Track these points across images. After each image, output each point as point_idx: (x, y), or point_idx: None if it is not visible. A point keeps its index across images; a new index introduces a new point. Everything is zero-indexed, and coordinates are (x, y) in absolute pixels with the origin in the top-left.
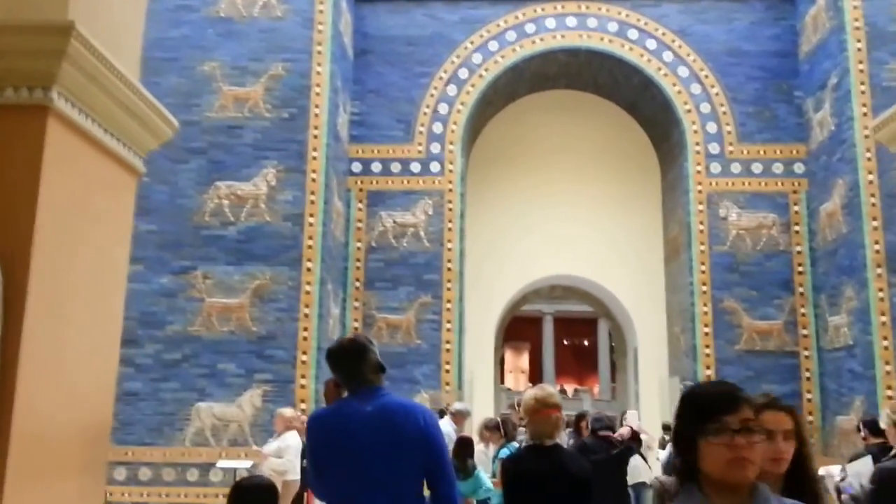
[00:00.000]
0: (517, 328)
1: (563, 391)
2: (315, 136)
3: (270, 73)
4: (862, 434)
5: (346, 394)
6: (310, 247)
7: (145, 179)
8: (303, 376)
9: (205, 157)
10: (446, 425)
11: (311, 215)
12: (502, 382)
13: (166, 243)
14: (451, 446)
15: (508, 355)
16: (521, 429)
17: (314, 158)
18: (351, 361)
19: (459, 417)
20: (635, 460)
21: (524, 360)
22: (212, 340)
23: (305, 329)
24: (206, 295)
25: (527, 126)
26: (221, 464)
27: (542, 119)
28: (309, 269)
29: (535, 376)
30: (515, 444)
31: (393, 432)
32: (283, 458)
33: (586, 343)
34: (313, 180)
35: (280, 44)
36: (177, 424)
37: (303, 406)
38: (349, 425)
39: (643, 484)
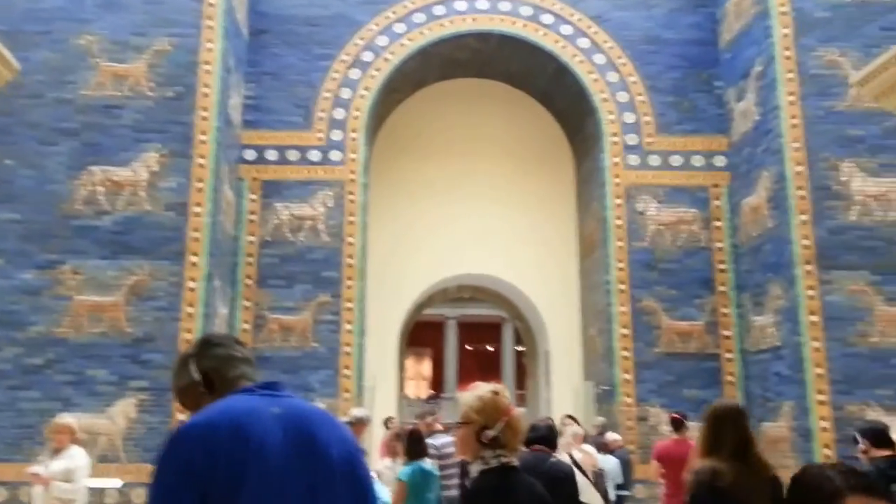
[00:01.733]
0: (419, 334)
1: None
2: (203, 119)
3: (154, 48)
4: (861, 446)
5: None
6: (195, 239)
7: (7, 162)
8: None
9: (78, 140)
10: None
11: (198, 205)
12: (403, 390)
13: (31, 234)
14: None
15: (410, 362)
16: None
17: (202, 142)
18: (239, 343)
19: (359, 426)
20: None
21: (426, 367)
22: (80, 343)
23: (188, 330)
24: (76, 292)
25: (435, 115)
26: (89, 483)
27: (451, 108)
28: (194, 264)
29: (438, 383)
30: (426, 464)
31: (314, 453)
32: (72, 482)
33: (490, 348)
34: (200, 166)
35: (166, 17)
36: (38, 438)
37: (181, 417)
38: (258, 436)
39: None
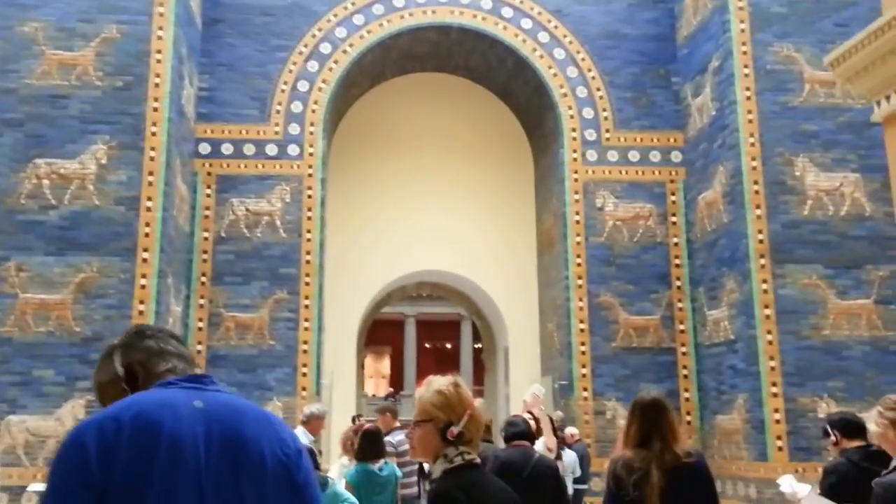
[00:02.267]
0: (378, 332)
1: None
2: (155, 109)
3: (103, 35)
4: (832, 437)
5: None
6: (147, 235)
7: None
8: None
9: (21, 131)
10: (300, 435)
11: (149, 199)
12: (362, 388)
13: None
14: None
15: (369, 360)
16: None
17: (153, 134)
18: (175, 338)
19: (316, 422)
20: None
21: (385, 365)
22: (26, 343)
23: None
24: (20, 290)
25: (394, 110)
26: (35, 487)
27: (410, 103)
28: (145, 261)
29: (396, 381)
30: (375, 466)
31: (242, 454)
32: None
33: (449, 346)
34: (152, 159)
35: (115, 3)
36: None
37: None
38: (171, 432)
39: None
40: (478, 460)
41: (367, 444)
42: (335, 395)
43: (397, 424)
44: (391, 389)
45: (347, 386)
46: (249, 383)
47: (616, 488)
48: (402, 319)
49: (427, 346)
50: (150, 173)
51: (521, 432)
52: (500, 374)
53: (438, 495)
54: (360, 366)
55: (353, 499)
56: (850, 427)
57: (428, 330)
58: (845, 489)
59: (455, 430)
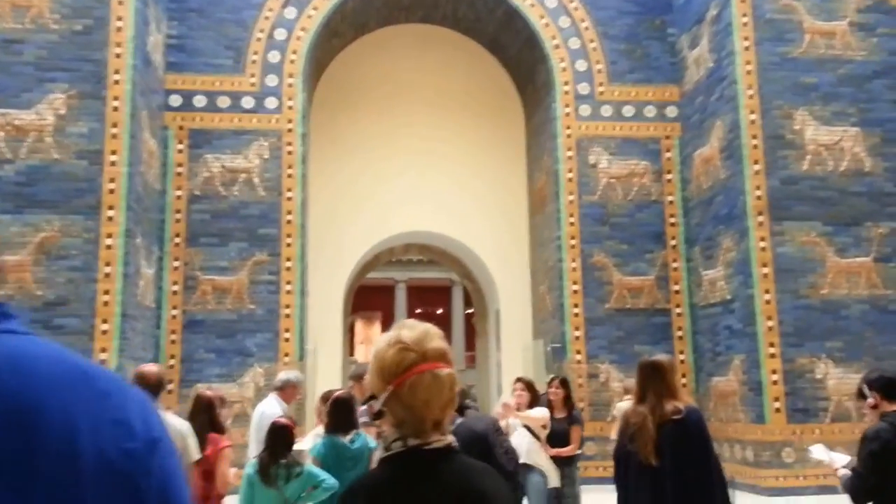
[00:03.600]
0: (368, 297)
1: None
2: (117, 56)
3: None
4: (870, 399)
5: None
6: (111, 191)
7: None
8: (103, 350)
9: None
10: (273, 404)
11: (113, 152)
12: (351, 355)
13: None
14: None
15: (359, 326)
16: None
17: (116, 83)
18: None
19: (291, 390)
20: (519, 437)
21: (375, 331)
22: None
23: (106, 292)
24: None
25: (379, 63)
26: None
27: (395, 56)
28: (110, 219)
29: None
30: (346, 439)
31: (34, 436)
32: None
33: (440, 311)
34: (115, 109)
35: None
36: None
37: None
38: None
39: (526, 467)
40: (441, 444)
41: (336, 414)
42: (320, 361)
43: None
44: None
45: (333, 352)
46: (228, 349)
47: (619, 440)
48: (393, 285)
49: (418, 311)
50: (114, 125)
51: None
52: (491, 338)
53: (345, 495)
54: (349, 331)
55: (330, 479)
56: (892, 387)
57: (419, 295)
58: (890, 457)
59: (375, 405)
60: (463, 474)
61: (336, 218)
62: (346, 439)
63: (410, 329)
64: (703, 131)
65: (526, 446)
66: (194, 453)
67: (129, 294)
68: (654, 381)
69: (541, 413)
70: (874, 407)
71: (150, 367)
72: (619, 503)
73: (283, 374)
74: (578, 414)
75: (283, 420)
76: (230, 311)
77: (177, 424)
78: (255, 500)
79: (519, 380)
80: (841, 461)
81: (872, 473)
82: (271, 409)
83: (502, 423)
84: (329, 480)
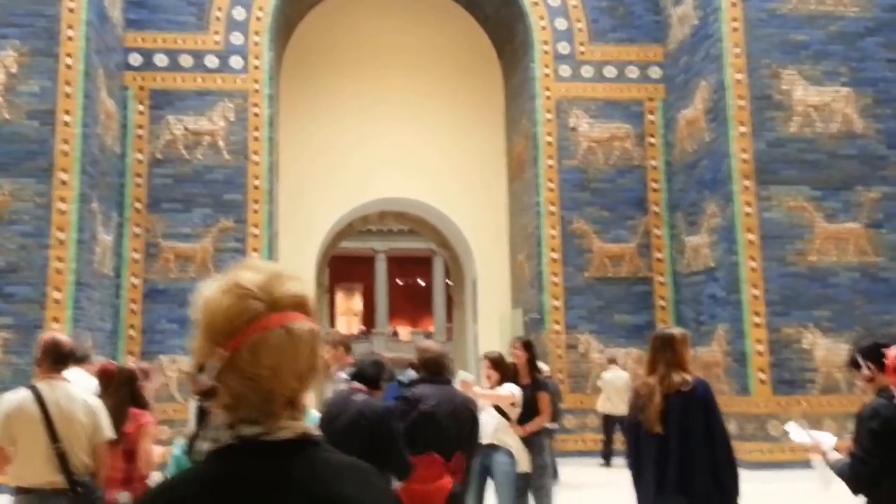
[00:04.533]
0: (348, 268)
1: (396, 334)
2: (70, 11)
3: None
4: (865, 371)
5: None
6: (65, 153)
7: None
8: (55, 319)
9: None
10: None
11: (67, 112)
12: (332, 326)
13: None
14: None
15: (340, 297)
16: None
17: (69, 39)
18: None
19: None
20: (487, 416)
21: (357, 302)
22: None
23: (59, 259)
24: None
25: (352, 23)
26: None
27: (369, 15)
28: (64, 182)
29: (369, 319)
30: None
31: None
32: None
33: (422, 283)
34: (68, 67)
35: None
36: None
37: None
38: None
39: (493, 447)
40: (290, 433)
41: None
42: None
43: (350, 360)
44: (362, 328)
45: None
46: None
47: (630, 412)
48: (373, 255)
49: (399, 282)
50: (67, 83)
51: (356, 374)
52: (468, 308)
53: (146, 497)
54: (327, 302)
55: None
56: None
57: (399, 266)
58: (892, 436)
59: (204, 378)
60: (317, 477)
61: (308, 185)
62: None
63: (254, 270)
64: (687, 92)
65: (493, 426)
66: (107, 431)
67: (84, 261)
68: (664, 352)
69: (507, 390)
70: (870, 380)
71: (64, 336)
72: (631, 474)
73: None
74: (548, 381)
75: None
76: (193, 279)
77: (86, 399)
78: None
79: (485, 357)
80: (826, 441)
81: (874, 456)
82: (82, 382)
83: None
84: None
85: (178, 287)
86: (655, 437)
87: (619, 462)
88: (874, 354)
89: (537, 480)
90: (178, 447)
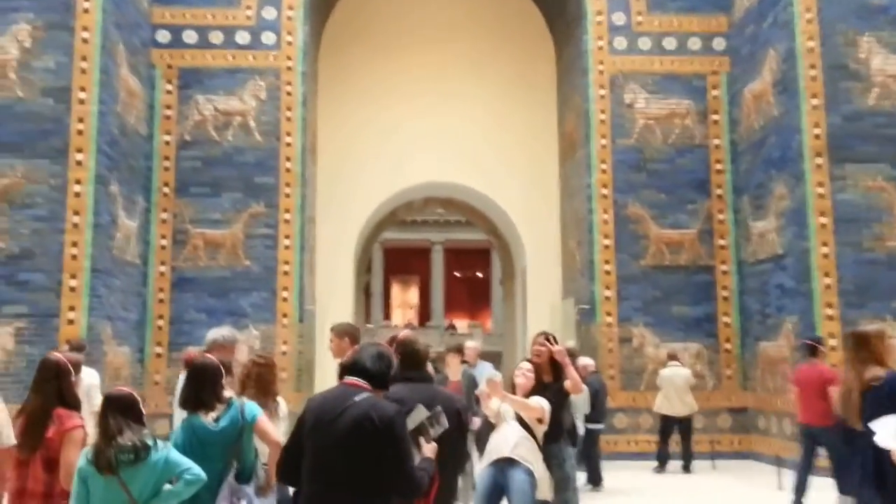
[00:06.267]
0: (405, 260)
1: (452, 327)
2: None
3: None
4: None
5: None
6: (80, 132)
7: None
8: (71, 308)
9: None
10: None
11: (82, 89)
12: (387, 318)
13: None
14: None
15: (396, 289)
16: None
17: (85, 11)
18: None
19: (220, 351)
20: (509, 430)
21: (413, 295)
22: None
23: (74, 244)
24: None
25: None
26: None
27: None
28: (79, 163)
29: (425, 311)
30: (232, 409)
31: None
32: None
33: (479, 275)
34: (84, 41)
35: None
36: None
37: (66, 347)
38: None
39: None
40: None
41: (193, 386)
42: (328, 323)
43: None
44: (409, 321)
45: (342, 313)
46: (221, 309)
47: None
48: (429, 247)
49: (456, 274)
50: (83, 58)
51: (349, 366)
52: (518, 299)
53: None
54: (365, 292)
55: (194, 469)
56: None
57: (456, 258)
58: None
59: None
60: None
61: (346, 168)
62: (208, 418)
63: None
64: (754, 64)
65: (514, 440)
66: (4, 437)
67: (101, 247)
68: (859, 351)
69: (538, 403)
70: None
71: None
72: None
73: (212, 332)
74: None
75: (121, 389)
76: (223, 267)
77: None
78: (91, 500)
79: (530, 357)
80: None
81: None
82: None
83: (491, 408)
84: (193, 470)
85: (208, 275)
86: (857, 433)
87: (671, 467)
88: None
89: (559, 495)
90: (82, 457)
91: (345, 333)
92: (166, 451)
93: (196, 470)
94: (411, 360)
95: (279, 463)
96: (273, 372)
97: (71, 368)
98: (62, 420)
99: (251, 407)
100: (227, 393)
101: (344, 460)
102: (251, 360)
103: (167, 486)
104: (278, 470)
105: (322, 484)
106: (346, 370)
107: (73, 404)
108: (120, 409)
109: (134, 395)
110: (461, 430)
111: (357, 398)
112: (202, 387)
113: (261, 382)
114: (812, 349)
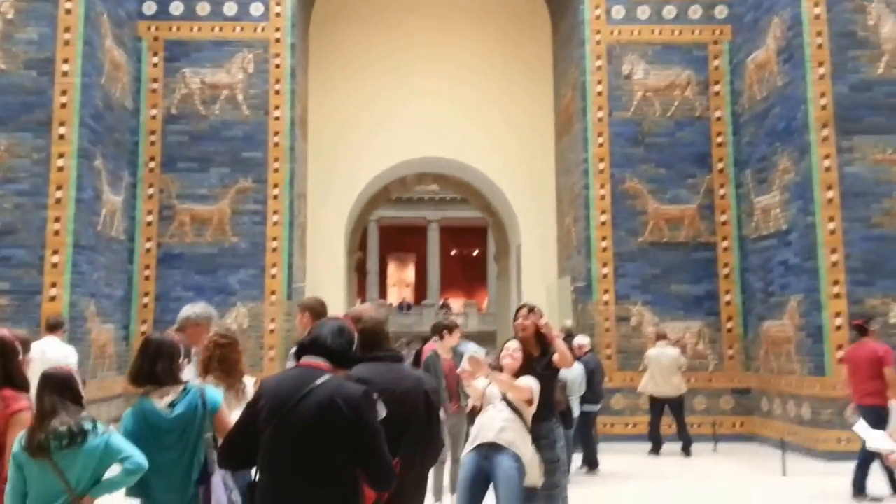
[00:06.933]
0: (401, 238)
1: (446, 306)
2: None
3: None
4: None
5: None
6: (63, 105)
7: None
8: (53, 285)
9: None
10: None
11: (65, 61)
12: (383, 297)
13: None
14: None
15: (392, 267)
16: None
17: None
18: None
19: (194, 329)
20: (496, 412)
21: (409, 273)
22: None
23: (57, 219)
24: None
25: None
26: None
27: None
28: (62, 137)
29: (421, 290)
30: (190, 394)
31: None
32: None
33: (476, 253)
34: (68, 12)
35: None
36: None
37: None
38: None
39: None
40: None
41: (142, 365)
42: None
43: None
44: (404, 300)
45: (334, 291)
46: (209, 286)
47: None
48: (425, 225)
49: (453, 253)
50: (66, 30)
51: (308, 344)
52: (512, 276)
53: None
54: (358, 270)
55: (136, 456)
56: None
57: (453, 236)
58: None
59: None
60: None
61: (338, 144)
62: (162, 404)
63: None
64: (757, 32)
65: (500, 423)
66: None
67: (84, 222)
68: None
69: (527, 383)
70: None
71: None
72: None
73: (185, 309)
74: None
75: (59, 367)
76: (210, 244)
77: None
78: (28, 489)
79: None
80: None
81: None
82: (54, 351)
83: (476, 388)
84: (134, 458)
85: (195, 252)
86: None
87: (670, 449)
88: None
89: (549, 478)
90: (17, 442)
91: (306, 308)
92: (107, 436)
93: (138, 458)
94: (369, 338)
95: (222, 448)
96: (237, 350)
97: (18, 347)
98: (7, 402)
99: (213, 394)
100: (186, 376)
101: (307, 450)
102: (212, 339)
103: (108, 474)
104: (220, 455)
105: (282, 476)
106: (304, 349)
107: (22, 385)
108: (56, 388)
109: (71, 372)
110: (430, 414)
111: (318, 381)
112: (156, 361)
113: (225, 363)
114: (861, 329)
